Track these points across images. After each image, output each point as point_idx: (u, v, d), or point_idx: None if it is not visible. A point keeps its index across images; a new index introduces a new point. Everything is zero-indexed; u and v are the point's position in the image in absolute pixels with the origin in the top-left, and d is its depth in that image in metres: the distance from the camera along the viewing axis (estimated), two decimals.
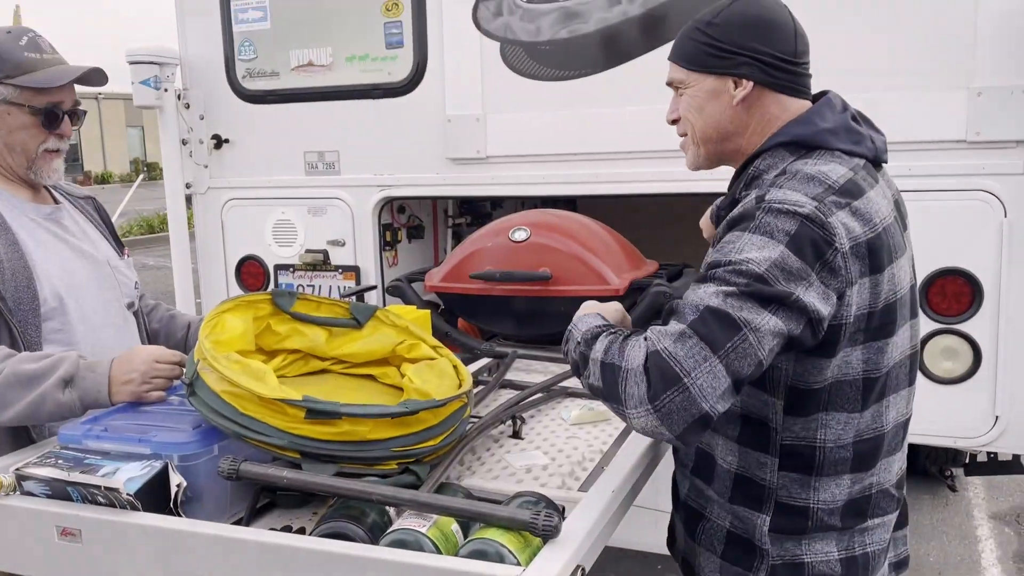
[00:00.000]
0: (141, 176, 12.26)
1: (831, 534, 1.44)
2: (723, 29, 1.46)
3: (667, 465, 2.71)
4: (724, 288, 1.27)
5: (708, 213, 1.78)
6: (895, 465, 1.50)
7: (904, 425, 1.50)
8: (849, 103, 1.50)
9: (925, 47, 2.50)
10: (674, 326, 1.28)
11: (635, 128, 2.83)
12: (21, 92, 1.81)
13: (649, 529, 2.91)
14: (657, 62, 2.80)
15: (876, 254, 1.34)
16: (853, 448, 1.42)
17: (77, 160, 38.59)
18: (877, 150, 1.47)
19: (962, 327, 2.58)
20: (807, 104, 1.48)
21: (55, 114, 1.85)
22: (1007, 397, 2.57)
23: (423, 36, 3.07)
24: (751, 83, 1.44)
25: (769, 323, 1.25)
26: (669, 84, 1.56)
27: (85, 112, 1.95)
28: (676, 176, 2.82)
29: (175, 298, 3.49)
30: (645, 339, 1.29)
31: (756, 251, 1.28)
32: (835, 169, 1.37)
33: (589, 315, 1.49)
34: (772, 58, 1.44)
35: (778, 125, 1.46)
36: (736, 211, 1.37)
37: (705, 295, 1.28)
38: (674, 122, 1.57)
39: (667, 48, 2.70)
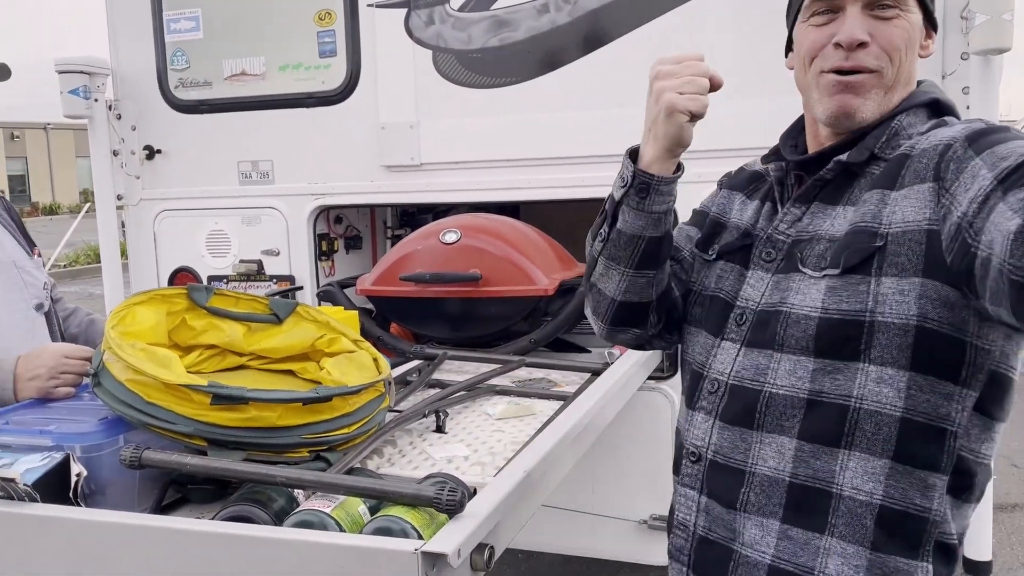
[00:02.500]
0: (88, 205, 12.06)
1: None
2: None
3: (605, 472, 2.71)
4: None
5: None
6: None
7: None
8: None
9: None
10: None
11: (567, 133, 2.87)
12: None
13: (586, 533, 2.92)
14: (588, 68, 2.87)
15: None
16: (991, 469, 1.20)
17: (24, 191, 37.78)
18: None
19: None
20: None
21: None
22: None
23: (356, 45, 3.07)
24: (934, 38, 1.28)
25: None
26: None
27: None
28: (609, 181, 2.85)
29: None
30: None
31: None
32: None
33: None
34: None
35: (911, 88, 1.27)
36: (959, 134, 1.13)
37: None
38: (860, 45, 1.21)
39: (596, 55, 2.80)
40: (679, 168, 1.29)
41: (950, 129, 1.17)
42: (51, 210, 35.85)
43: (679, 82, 1.20)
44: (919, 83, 1.30)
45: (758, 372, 1.22)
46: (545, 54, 2.86)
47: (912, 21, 1.22)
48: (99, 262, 3.40)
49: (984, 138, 1.09)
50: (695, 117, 1.21)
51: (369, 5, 3.03)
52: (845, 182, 1.25)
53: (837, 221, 1.21)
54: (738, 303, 1.29)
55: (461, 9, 2.93)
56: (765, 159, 1.38)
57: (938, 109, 1.26)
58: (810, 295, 1.18)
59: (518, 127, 2.91)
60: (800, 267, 1.22)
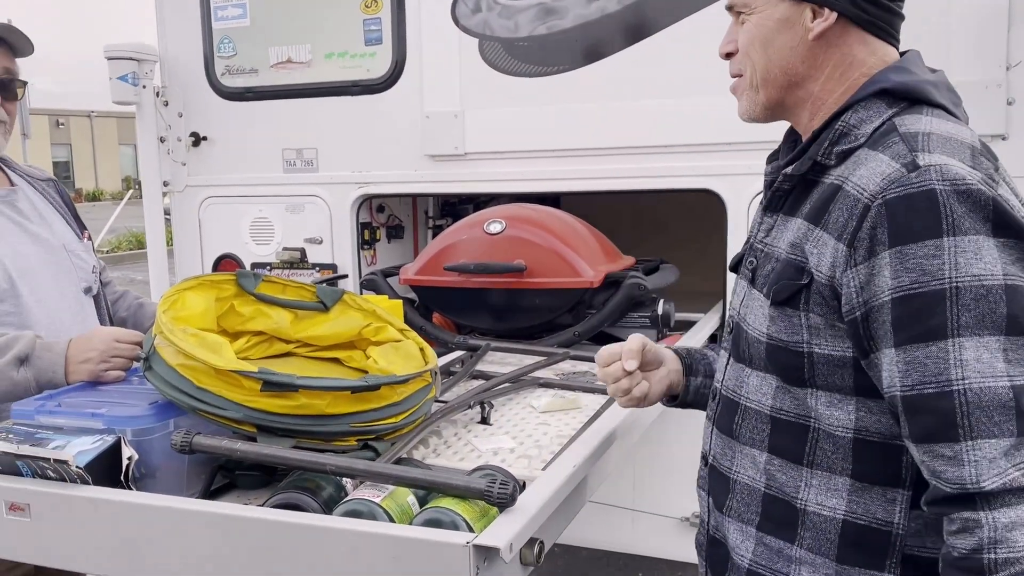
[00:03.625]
0: (130, 192, 12.24)
1: None
2: None
3: (647, 468, 2.68)
4: (991, 339, 0.98)
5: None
6: None
7: None
8: None
9: None
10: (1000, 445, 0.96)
11: (614, 124, 2.82)
12: None
13: (626, 529, 2.89)
14: (635, 57, 2.83)
15: None
16: None
17: (69, 177, 38.55)
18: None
19: None
20: (895, 54, 1.22)
21: None
22: None
23: (402, 33, 3.06)
24: (834, 14, 1.17)
25: None
26: (729, 8, 1.27)
27: (24, 83, 1.91)
28: (654, 172, 2.81)
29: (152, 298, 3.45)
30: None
31: (979, 263, 0.99)
32: (959, 128, 1.12)
33: None
34: None
35: (863, 71, 1.19)
36: (881, 188, 1.05)
37: (975, 364, 0.97)
38: (728, 56, 1.29)
39: (644, 45, 2.76)
40: (687, 376, 1.49)
41: (878, 172, 1.07)
42: (94, 196, 36.55)
43: (613, 388, 1.44)
44: (904, 53, 1.22)
45: (738, 384, 1.27)
46: (593, 42, 2.82)
47: (762, 18, 1.21)
48: (141, 248, 3.43)
49: (901, 218, 1.03)
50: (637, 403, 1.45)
51: None
52: (804, 191, 1.20)
53: (788, 236, 1.19)
54: (729, 313, 1.34)
55: None
56: (769, 159, 1.35)
57: (896, 96, 1.16)
58: (758, 317, 1.20)
59: (564, 116, 2.88)
60: (753, 285, 1.24)
